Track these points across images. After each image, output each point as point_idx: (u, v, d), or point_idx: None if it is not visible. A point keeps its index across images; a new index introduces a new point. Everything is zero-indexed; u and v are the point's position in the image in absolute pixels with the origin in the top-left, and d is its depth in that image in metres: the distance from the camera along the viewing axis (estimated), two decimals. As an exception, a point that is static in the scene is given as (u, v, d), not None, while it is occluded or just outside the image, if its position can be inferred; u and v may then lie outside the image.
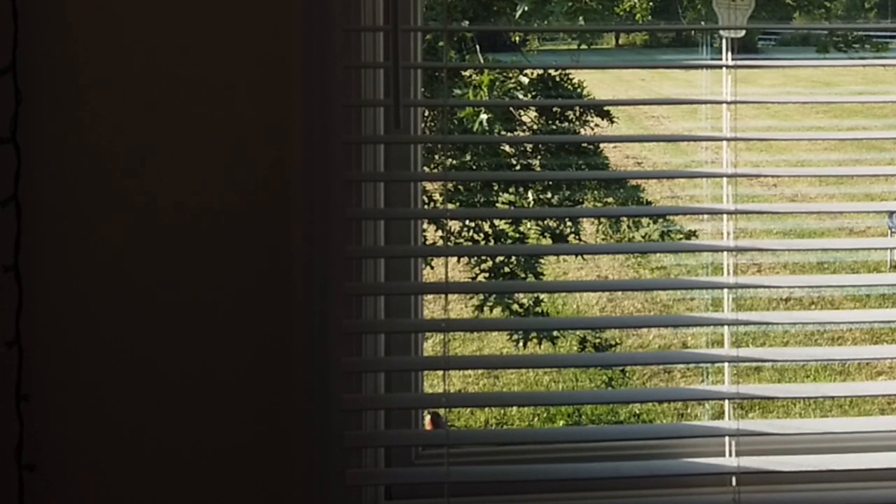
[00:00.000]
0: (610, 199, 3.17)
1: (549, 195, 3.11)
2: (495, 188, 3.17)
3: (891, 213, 2.90)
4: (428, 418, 2.13)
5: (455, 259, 2.96)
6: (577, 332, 3.11)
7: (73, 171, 1.37)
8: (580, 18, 3.08)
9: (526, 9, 3.07)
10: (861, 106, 3.28)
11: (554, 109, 3.25)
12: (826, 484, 1.45)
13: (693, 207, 2.12)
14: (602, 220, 3.20)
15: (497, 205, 3.15)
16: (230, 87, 1.38)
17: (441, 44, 2.35)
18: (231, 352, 1.39)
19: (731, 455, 1.44)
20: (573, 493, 1.45)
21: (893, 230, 3.05)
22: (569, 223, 3.12)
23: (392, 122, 1.38)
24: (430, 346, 2.00)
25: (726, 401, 1.48)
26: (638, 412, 3.06)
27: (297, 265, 1.36)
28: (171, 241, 1.38)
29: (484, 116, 2.84)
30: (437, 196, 2.62)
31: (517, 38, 3.43)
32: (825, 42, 3.17)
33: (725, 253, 1.47)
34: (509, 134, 3.10)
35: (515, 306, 3.05)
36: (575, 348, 3.09)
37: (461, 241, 3.08)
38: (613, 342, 3.16)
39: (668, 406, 3.06)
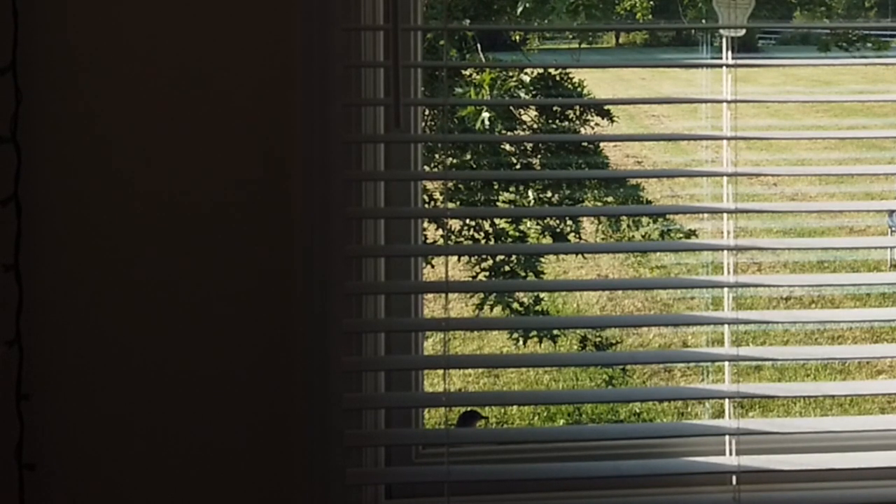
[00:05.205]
0: (610, 198, 3.17)
1: (550, 194, 3.11)
2: (496, 187, 3.17)
3: (891, 212, 2.90)
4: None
5: (455, 258, 2.96)
6: (578, 331, 3.12)
7: (73, 171, 1.37)
8: (581, 16, 3.08)
9: (527, 6, 3.07)
10: (861, 105, 3.28)
11: (554, 108, 3.25)
12: (826, 483, 1.45)
13: (693, 206, 2.12)
14: (602, 219, 3.20)
15: (497, 204, 3.15)
16: (230, 86, 1.38)
17: (441, 43, 2.35)
18: (231, 351, 1.39)
19: (731, 454, 1.44)
20: (573, 492, 1.45)
21: (894, 229, 3.05)
22: (569, 222, 3.12)
23: (392, 121, 1.37)
24: (431, 344, 2.00)
25: (726, 400, 1.48)
26: (638, 411, 3.07)
27: (297, 264, 1.36)
28: (171, 240, 1.38)
29: (486, 115, 2.84)
30: (437, 195, 2.62)
31: (517, 37, 3.44)
32: (825, 41, 3.17)
33: (725, 252, 1.47)
34: (510, 133, 3.10)
35: (516, 305, 3.05)
36: (575, 347, 3.10)
37: (461, 240, 3.08)
38: (614, 341, 3.16)
39: (669, 405, 3.06)
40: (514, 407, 2.97)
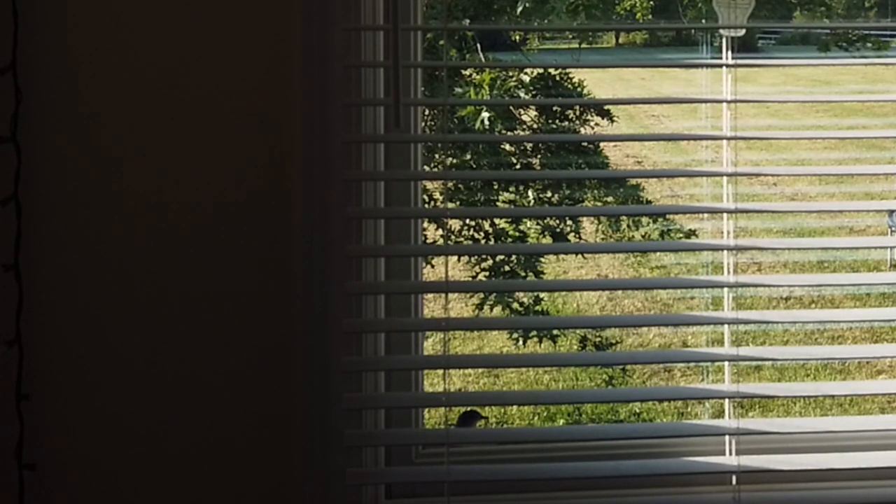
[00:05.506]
0: (610, 198, 3.17)
1: (550, 194, 3.12)
2: (495, 187, 3.17)
3: (891, 212, 2.90)
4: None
5: (455, 258, 2.96)
6: (578, 331, 3.12)
7: (73, 171, 1.37)
8: (581, 16, 3.08)
9: (527, 6, 3.07)
10: (861, 105, 3.28)
11: (554, 108, 3.25)
12: (826, 483, 1.45)
13: (693, 206, 2.12)
14: (602, 219, 3.21)
15: (497, 204, 3.15)
16: (230, 86, 1.38)
17: (441, 43, 2.35)
18: (231, 351, 1.39)
19: (731, 454, 1.44)
20: (573, 492, 1.45)
21: (893, 229, 3.05)
22: (569, 222, 3.12)
23: (392, 121, 1.38)
24: (431, 344, 2.00)
25: (726, 400, 1.48)
26: (638, 411, 3.07)
27: (298, 264, 1.36)
28: (171, 240, 1.38)
29: (486, 115, 2.84)
30: (437, 195, 2.62)
31: (517, 37, 3.44)
32: (825, 41, 3.17)
33: (725, 252, 1.47)
34: (510, 133, 3.10)
35: (515, 305, 3.05)
36: (575, 347, 3.10)
37: (461, 239, 3.08)
38: (614, 341, 3.16)
39: (669, 405, 3.06)
40: (514, 407, 2.97)
